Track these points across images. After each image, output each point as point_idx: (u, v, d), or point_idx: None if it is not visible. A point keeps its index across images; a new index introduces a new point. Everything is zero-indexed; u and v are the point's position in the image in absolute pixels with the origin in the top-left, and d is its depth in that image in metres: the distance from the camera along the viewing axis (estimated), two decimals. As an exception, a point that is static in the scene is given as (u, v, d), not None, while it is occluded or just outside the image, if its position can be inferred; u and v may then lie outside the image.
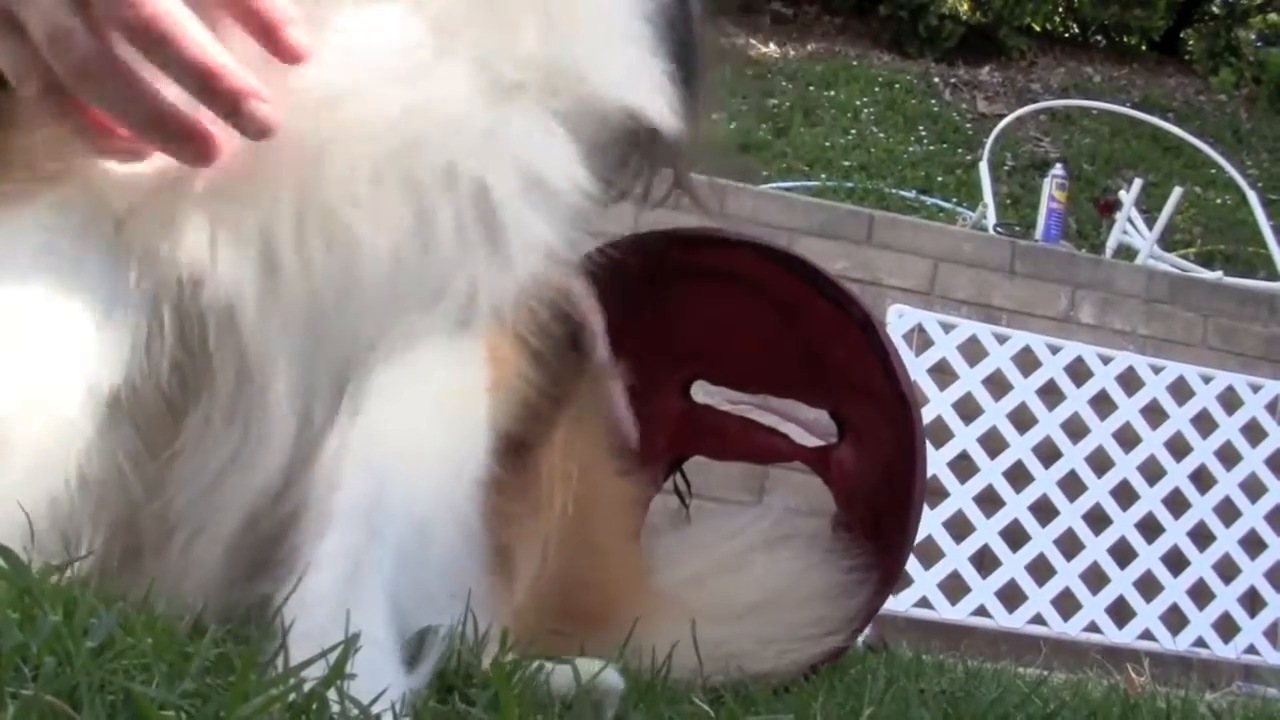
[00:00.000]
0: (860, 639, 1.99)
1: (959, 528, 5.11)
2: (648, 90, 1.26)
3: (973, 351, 5.31)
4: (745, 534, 1.85)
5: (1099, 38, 15.25)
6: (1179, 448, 5.42)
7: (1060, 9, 15.09)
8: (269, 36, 1.13)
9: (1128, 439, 5.39)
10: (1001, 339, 5.37)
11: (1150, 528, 5.33)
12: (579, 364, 1.51)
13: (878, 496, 1.94)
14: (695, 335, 1.94)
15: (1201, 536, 5.36)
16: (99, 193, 1.17)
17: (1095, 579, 5.22)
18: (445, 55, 1.17)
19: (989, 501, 5.19)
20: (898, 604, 4.83)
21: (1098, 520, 5.29)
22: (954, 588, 5.05)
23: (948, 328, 5.31)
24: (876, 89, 12.81)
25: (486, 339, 1.29)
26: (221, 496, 1.27)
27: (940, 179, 11.20)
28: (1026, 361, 5.36)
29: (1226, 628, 5.28)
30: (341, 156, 1.15)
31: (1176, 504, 5.37)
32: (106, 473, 1.22)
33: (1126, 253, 7.06)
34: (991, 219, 7.19)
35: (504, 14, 1.20)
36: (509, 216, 1.21)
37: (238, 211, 1.17)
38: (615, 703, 1.14)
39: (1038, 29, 14.57)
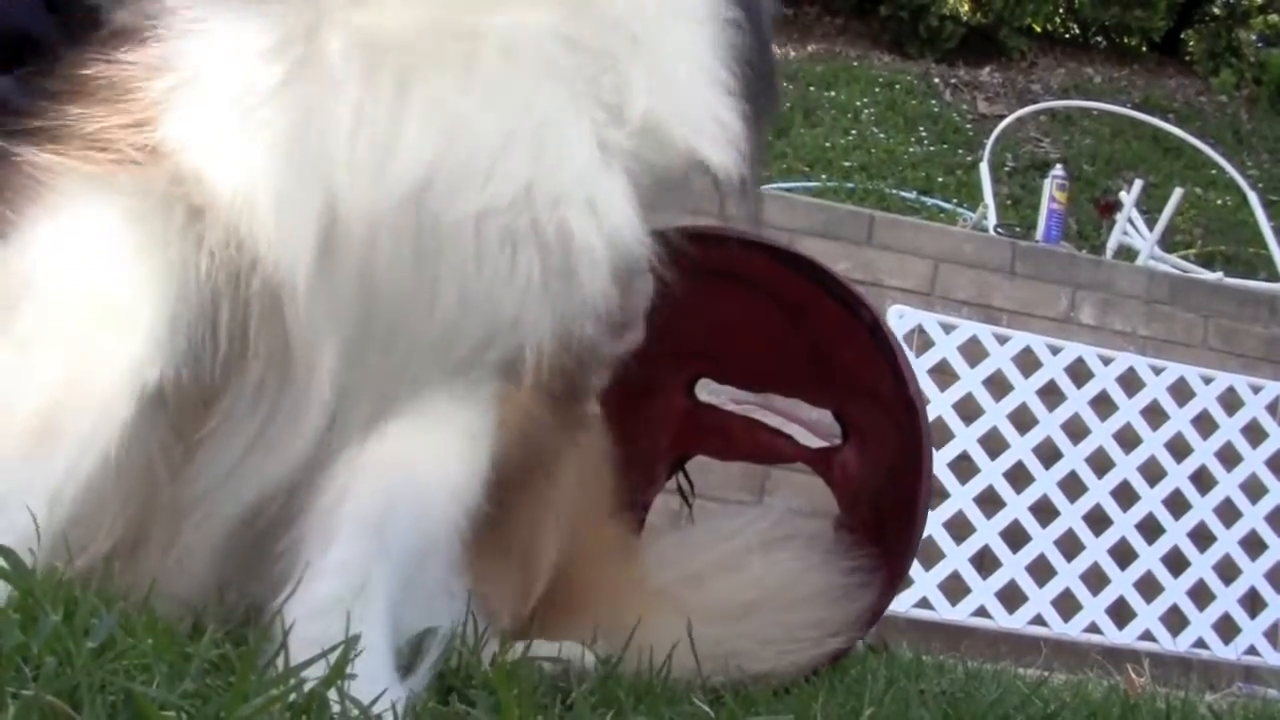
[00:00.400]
0: (868, 631, 1.99)
1: (959, 528, 5.11)
2: (723, 143, 1.29)
3: (973, 352, 5.31)
4: (744, 534, 1.85)
5: (1099, 38, 15.24)
6: (1179, 449, 5.42)
7: (1061, 10, 15.08)
8: None
9: (1128, 440, 5.38)
10: (1002, 340, 5.37)
11: (1151, 528, 5.33)
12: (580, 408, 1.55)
13: (881, 499, 1.94)
14: (701, 334, 1.95)
15: (1202, 537, 5.36)
16: (178, 180, 1.17)
17: (1095, 580, 5.22)
18: (571, 121, 1.21)
19: (989, 502, 5.19)
20: (898, 605, 4.82)
21: (1098, 521, 5.29)
22: (954, 588, 5.04)
23: (948, 328, 5.31)
24: (877, 90, 12.81)
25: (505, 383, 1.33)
26: (237, 481, 1.28)
27: (941, 180, 11.19)
28: (1027, 362, 5.35)
29: (1227, 629, 5.27)
30: (458, 202, 1.18)
31: (1177, 505, 5.36)
32: (140, 457, 1.23)
33: (1127, 254, 7.05)
34: (992, 220, 7.18)
35: (621, 74, 1.24)
36: (587, 273, 1.25)
37: (303, 189, 1.18)
38: (588, 676, 1.32)
39: (1038, 30, 14.56)
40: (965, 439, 5.19)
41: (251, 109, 1.16)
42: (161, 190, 1.18)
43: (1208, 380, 5.51)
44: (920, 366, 5.14)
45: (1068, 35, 15.22)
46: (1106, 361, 5.44)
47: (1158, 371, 5.48)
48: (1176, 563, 5.31)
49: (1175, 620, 5.23)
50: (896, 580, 1.89)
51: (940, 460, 5.03)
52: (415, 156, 1.16)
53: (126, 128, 1.17)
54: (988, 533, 5.15)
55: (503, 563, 1.49)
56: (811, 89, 12.62)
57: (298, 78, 1.16)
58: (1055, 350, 5.40)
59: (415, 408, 1.28)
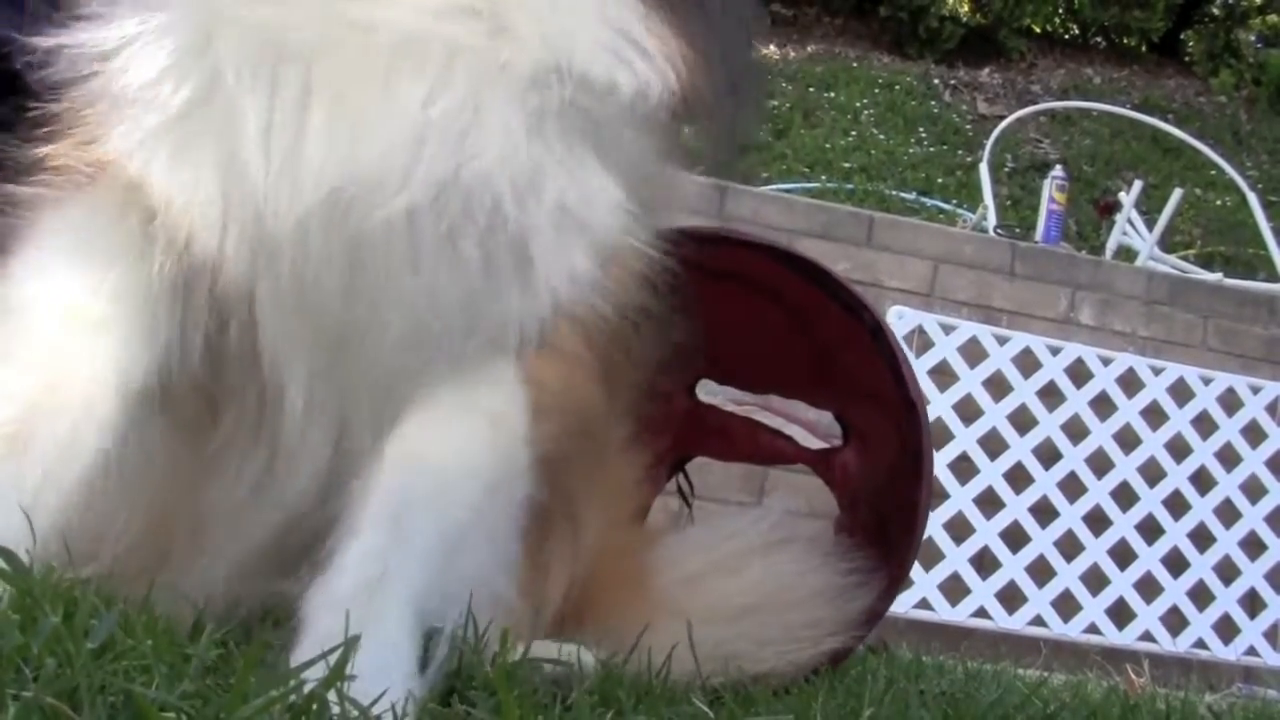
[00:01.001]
0: (870, 631, 1.99)
1: (959, 529, 5.11)
2: (639, 61, 1.23)
3: (973, 353, 5.31)
4: (742, 536, 1.85)
5: (1099, 39, 15.24)
6: (1179, 449, 5.42)
7: (1060, 10, 15.08)
8: None
9: (1128, 440, 5.38)
10: (1002, 340, 5.37)
11: (1150, 529, 5.33)
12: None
13: (882, 501, 1.94)
14: (702, 335, 1.95)
15: (1201, 538, 5.36)
16: (133, 187, 1.19)
17: (1095, 580, 5.22)
18: (486, 98, 1.18)
19: (989, 503, 5.19)
20: (898, 605, 4.81)
21: (1098, 521, 5.29)
22: (954, 589, 5.04)
23: (948, 329, 5.31)
24: (876, 90, 12.80)
25: (530, 362, 1.30)
26: (252, 516, 1.28)
27: (940, 180, 11.19)
28: (1027, 363, 5.35)
29: (1226, 629, 5.27)
30: (378, 205, 1.17)
31: (1177, 505, 5.36)
32: (141, 462, 1.23)
33: (1126, 254, 7.05)
34: (991, 220, 7.18)
35: (510, 23, 1.20)
36: (539, 249, 1.22)
37: (251, 210, 1.18)
38: (589, 677, 1.30)
39: (1038, 30, 14.56)
40: (965, 440, 5.19)
41: (167, 124, 1.17)
42: (119, 199, 1.20)
43: (1207, 381, 5.51)
44: (920, 367, 5.13)
45: (1067, 36, 15.22)
46: (1106, 362, 5.44)
47: (1157, 372, 5.48)
48: (1176, 563, 5.31)
49: (1175, 621, 5.23)
50: (898, 581, 1.89)
51: (940, 461, 5.03)
52: (323, 163, 1.16)
53: (76, 149, 1.21)
54: (987, 533, 5.15)
55: (545, 551, 1.46)
56: (811, 90, 12.62)
57: (203, 88, 1.17)
58: (1055, 351, 5.40)
59: (427, 399, 1.26)
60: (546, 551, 1.46)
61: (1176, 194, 6.89)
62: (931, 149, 11.90)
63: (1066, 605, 5.15)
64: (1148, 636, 5.17)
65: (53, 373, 1.16)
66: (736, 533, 1.85)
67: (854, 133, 11.94)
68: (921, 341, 5.25)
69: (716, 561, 1.78)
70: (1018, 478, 5.23)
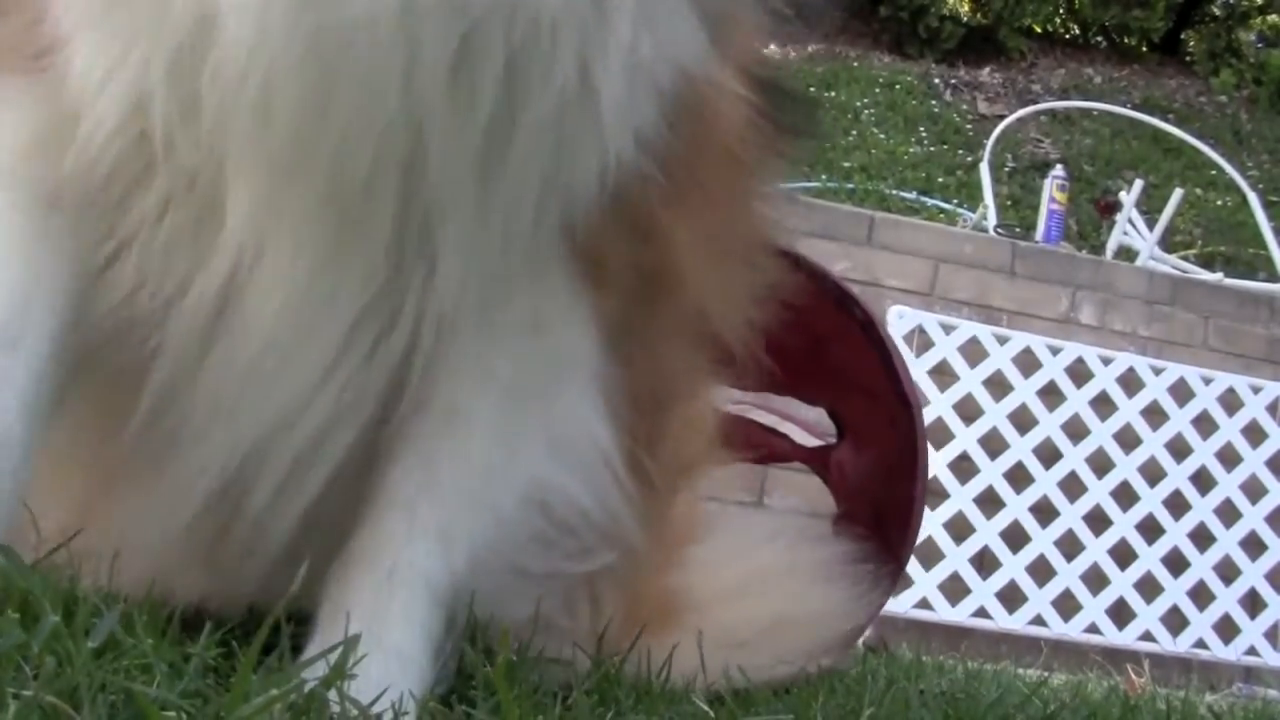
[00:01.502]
0: (860, 640, 1.99)
1: (959, 529, 5.11)
2: None
3: (973, 352, 5.31)
4: (744, 559, 1.80)
5: (1099, 39, 15.24)
6: (1179, 449, 5.42)
7: (1061, 10, 15.08)
8: None
9: (1128, 440, 5.38)
10: (1002, 340, 5.37)
11: (1151, 529, 5.33)
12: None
13: (878, 497, 1.94)
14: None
15: (1202, 538, 5.36)
16: (60, 94, 1.07)
17: (1095, 580, 5.22)
18: None
19: (989, 502, 5.19)
20: (898, 605, 4.82)
21: (1098, 521, 5.29)
22: (954, 589, 5.05)
23: (948, 329, 5.31)
24: (877, 90, 12.81)
25: (582, 238, 1.08)
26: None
27: (941, 180, 11.19)
28: (1027, 362, 5.36)
29: (1227, 629, 5.28)
30: (430, 33, 0.92)
31: (1177, 505, 5.37)
32: (100, 382, 1.15)
33: (1127, 254, 7.05)
34: (992, 220, 7.18)
35: None
36: (607, 98, 0.98)
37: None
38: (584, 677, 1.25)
39: (1038, 30, 14.56)
40: (965, 439, 5.19)
41: None
42: (45, 116, 1.08)
43: (1208, 380, 5.51)
44: (920, 367, 5.14)
45: (1068, 35, 15.22)
46: (1106, 362, 5.44)
47: (1158, 372, 5.48)
48: (1176, 563, 5.31)
49: (1175, 621, 5.24)
50: (894, 577, 1.89)
51: (940, 460, 5.03)
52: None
53: (23, 30, 1.09)
54: (988, 533, 5.15)
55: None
56: (811, 89, 12.62)
57: None
58: (1055, 350, 5.40)
59: (451, 338, 1.07)
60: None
61: (1177, 194, 6.89)
62: (931, 148, 11.90)
63: (1066, 605, 5.15)
64: (1148, 636, 5.17)
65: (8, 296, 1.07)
66: (738, 554, 1.81)
67: (854, 132, 11.94)
68: (922, 341, 5.25)
69: (717, 591, 1.73)
70: (1018, 477, 5.24)
